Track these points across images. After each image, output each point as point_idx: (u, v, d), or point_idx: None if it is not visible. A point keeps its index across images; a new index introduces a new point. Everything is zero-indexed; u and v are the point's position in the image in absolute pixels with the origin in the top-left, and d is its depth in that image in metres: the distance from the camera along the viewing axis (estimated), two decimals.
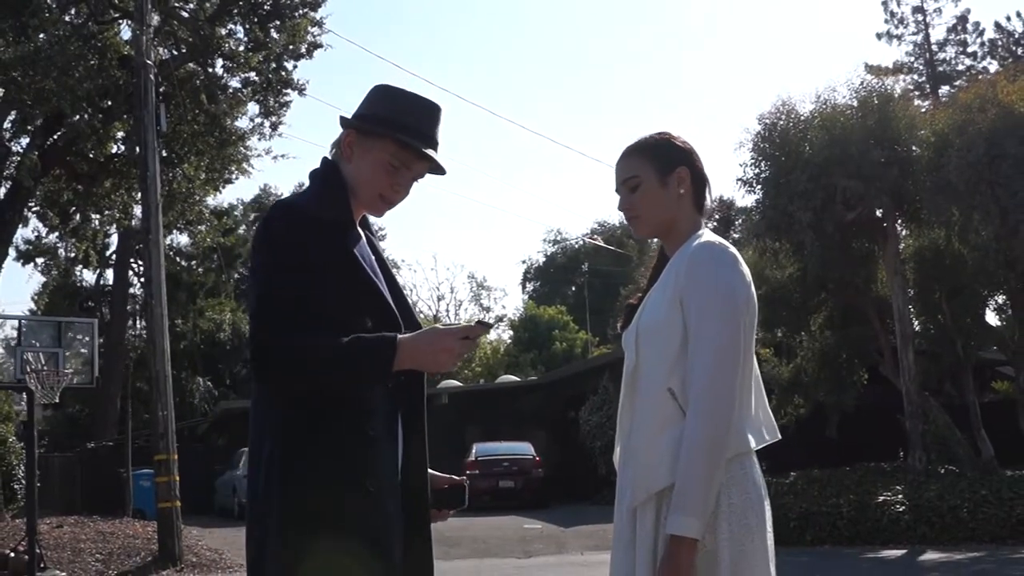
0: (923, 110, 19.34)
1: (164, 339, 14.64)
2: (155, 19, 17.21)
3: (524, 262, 72.42)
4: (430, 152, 2.86)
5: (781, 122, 16.65)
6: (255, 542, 2.67)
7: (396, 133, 2.81)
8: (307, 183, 2.91)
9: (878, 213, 16.96)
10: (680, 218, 2.93)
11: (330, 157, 2.95)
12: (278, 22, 20.54)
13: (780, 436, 2.85)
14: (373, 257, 2.89)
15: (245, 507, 2.76)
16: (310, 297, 2.64)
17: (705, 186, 2.99)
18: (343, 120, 2.89)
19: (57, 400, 13.75)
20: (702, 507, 2.56)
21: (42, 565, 12.71)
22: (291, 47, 20.77)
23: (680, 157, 2.94)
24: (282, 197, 3.05)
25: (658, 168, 2.91)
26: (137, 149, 20.29)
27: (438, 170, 2.93)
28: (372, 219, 3.07)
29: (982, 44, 49.37)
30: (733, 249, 2.80)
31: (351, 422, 2.66)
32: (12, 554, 12.86)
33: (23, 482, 22.19)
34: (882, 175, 15.74)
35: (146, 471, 24.35)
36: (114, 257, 38.87)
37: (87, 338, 15.79)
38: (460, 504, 3.03)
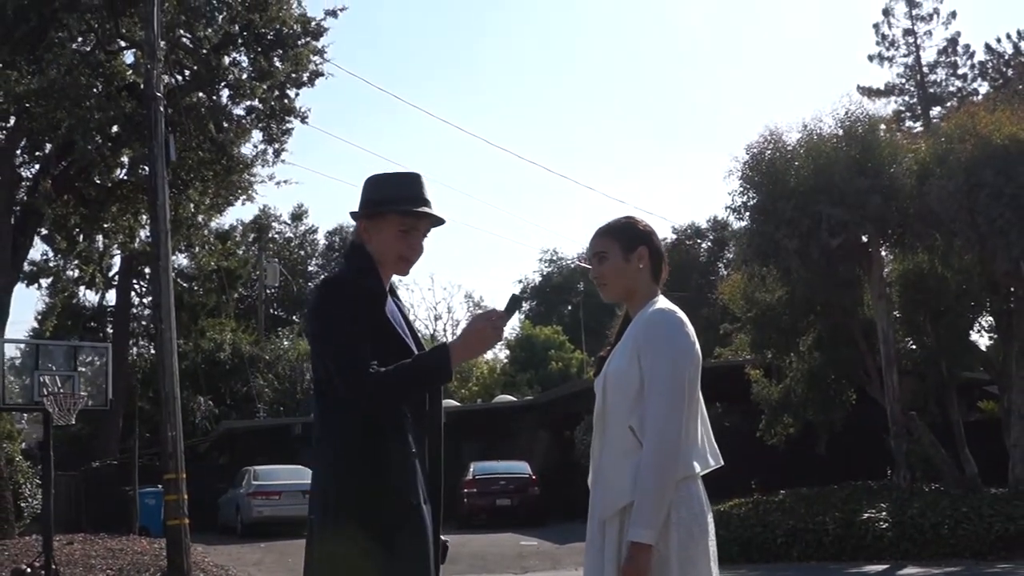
0: (908, 138, 19.85)
1: (173, 362, 15.13)
2: (161, 44, 17.65)
3: (520, 282, 72.78)
4: (426, 210, 3.53)
5: (768, 152, 17.18)
6: (327, 543, 3.30)
7: (397, 207, 3.49)
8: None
9: (863, 238, 17.47)
10: (639, 287, 3.59)
11: (353, 238, 3.64)
12: (281, 51, 20.98)
13: (723, 462, 3.51)
14: (400, 315, 3.56)
15: (313, 520, 3.39)
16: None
17: (662, 261, 3.64)
18: (354, 214, 3.58)
19: (73, 422, 14.24)
20: (655, 520, 3.23)
21: None
22: (294, 75, 21.22)
23: (641, 238, 3.60)
24: (327, 275, 3.76)
25: (623, 246, 3.58)
26: (143, 169, 20.79)
27: (438, 222, 3.60)
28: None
29: (972, 66, 49.82)
30: (681, 314, 3.46)
31: (399, 448, 3.33)
32: (28, 570, 13.33)
33: (29, 500, 22.65)
34: (865, 203, 16.23)
35: (151, 489, 24.79)
36: (117, 278, 39.32)
37: (99, 361, 16.20)
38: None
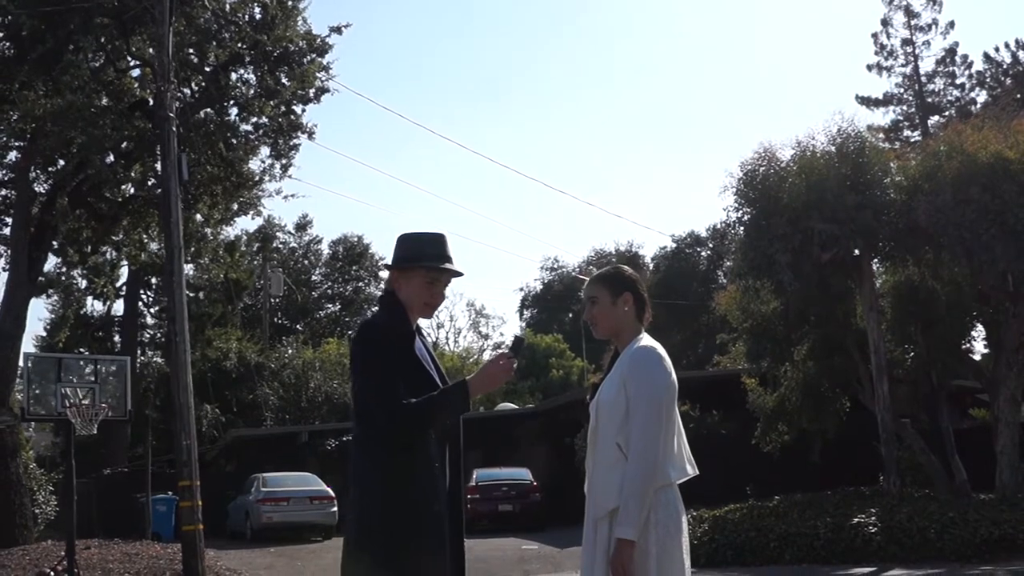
0: (905, 147, 20.31)
1: (187, 374, 15.67)
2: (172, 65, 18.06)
3: (521, 289, 73.24)
4: (449, 266, 4.22)
5: (762, 168, 17.63)
6: (356, 546, 3.92)
7: (423, 263, 4.17)
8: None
9: (855, 252, 17.89)
10: (625, 327, 4.25)
11: (386, 286, 4.31)
12: (287, 68, 21.40)
13: (698, 471, 4.16)
14: (426, 352, 4.20)
15: (350, 526, 3.99)
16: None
17: (645, 305, 4.30)
18: (388, 266, 4.26)
19: (95, 431, 14.75)
20: (637, 520, 3.88)
21: None
22: (300, 92, 21.65)
23: (626, 285, 4.27)
24: (365, 319, 4.42)
25: (611, 292, 4.25)
26: (151, 183, 21.28)
27: (458, 275, 4.29)
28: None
29: (970, 76, 50.14)
30: (661, 350, 4.12)
31: (424, 462, 3.94)
32: (52, 573, 13.85)
33: (43, 507, 23.12)
34: (856, 218, 16.69)
35: (161, 496, 25.32)
36: (124, 289, 39.82)
37: (106, 371, 16.65)
38: None
